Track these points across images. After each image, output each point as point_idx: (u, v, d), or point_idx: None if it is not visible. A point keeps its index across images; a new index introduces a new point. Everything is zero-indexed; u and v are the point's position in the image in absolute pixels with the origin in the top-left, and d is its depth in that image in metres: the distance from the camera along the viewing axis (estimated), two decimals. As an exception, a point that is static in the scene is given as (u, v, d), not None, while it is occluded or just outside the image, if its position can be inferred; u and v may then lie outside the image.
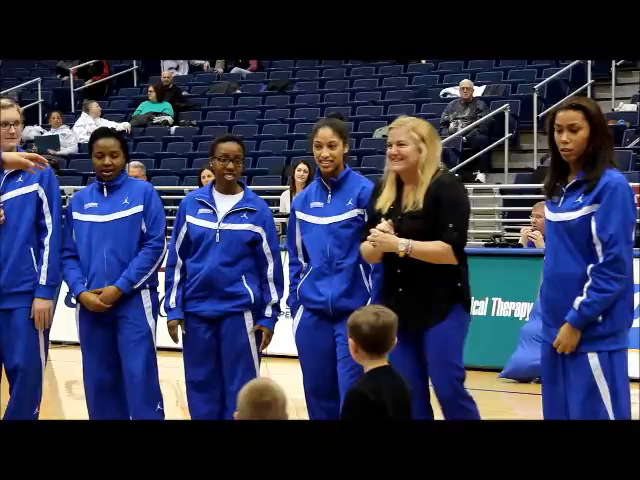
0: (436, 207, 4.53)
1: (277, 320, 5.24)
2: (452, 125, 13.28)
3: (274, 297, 5.18)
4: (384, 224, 4.55)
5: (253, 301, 5.15)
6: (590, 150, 4.06)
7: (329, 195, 4.98)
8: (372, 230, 4.56)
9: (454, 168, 12.52)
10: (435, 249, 4.52)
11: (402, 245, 4.49)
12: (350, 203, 4.90)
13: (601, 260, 4.02)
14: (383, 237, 4.52)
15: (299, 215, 5.06)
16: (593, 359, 4.03)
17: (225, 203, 5.21)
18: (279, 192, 11.87)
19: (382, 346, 3.64)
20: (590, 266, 4.04)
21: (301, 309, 5.04)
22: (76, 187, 11.66)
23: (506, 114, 12.85)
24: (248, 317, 5.17)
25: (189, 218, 5.22)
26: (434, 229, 4.52)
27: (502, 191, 12.15)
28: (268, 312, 5.17)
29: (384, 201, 4.64)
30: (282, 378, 6.16)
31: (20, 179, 5.20)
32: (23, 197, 5.20)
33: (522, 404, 7.38)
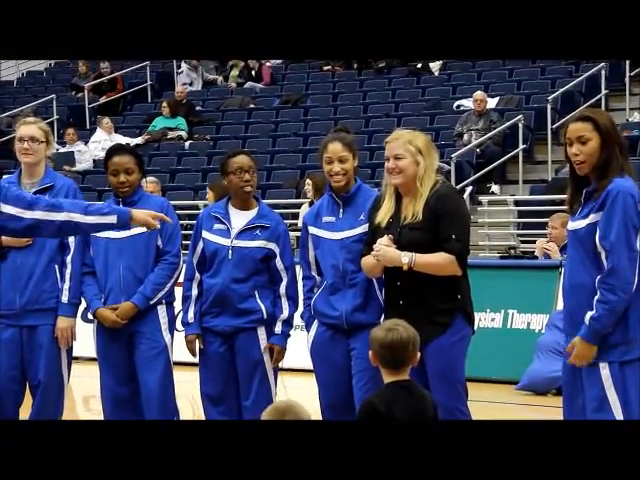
0: (436, 219, 4.54)
1: (289, 336, 5.24)
2: (466, 137, 13.29)
3: (285, 313, 5.18)
4: (385, 238, 4.56)
5: (265, 317, 5.16)
6: (602, 160, 4.05)
7: (341, 210, 4.99)
8: (375, 245, 4.58)
9: (468, 180, 12.54)
10: (438, 261, 4.52)
11: (405, 258, 4.50)
12: (362, 217, 4.89)
13: (605, 270, 4.01)
14: (385, 251, 4.53)
15: (311, 230, 5.06)
16: (604, 370, 4.02)
17: (240, 219, 5.23)
18: (293, 206, 11.89)
19: (394, 362, 3.65)
20: (597, 277, 4.03)
21: (316, 323, 5.03)
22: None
23: (520, 125, 12.85)
24: (261, 332, 5.18)
25: (204, 233, 5.25)
26: (434, 240, 4.53)
27: (517, 202, 12.14)
28: (278, 329, 5.18)
29: (383, 214, 4.66)
30: (300, 392, 6.15)
31: (46, 196, 5.25)
32: None
33: (538, 417, 7.36)
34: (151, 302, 5.25)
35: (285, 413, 3.14)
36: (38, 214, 4.14)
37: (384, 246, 4.54)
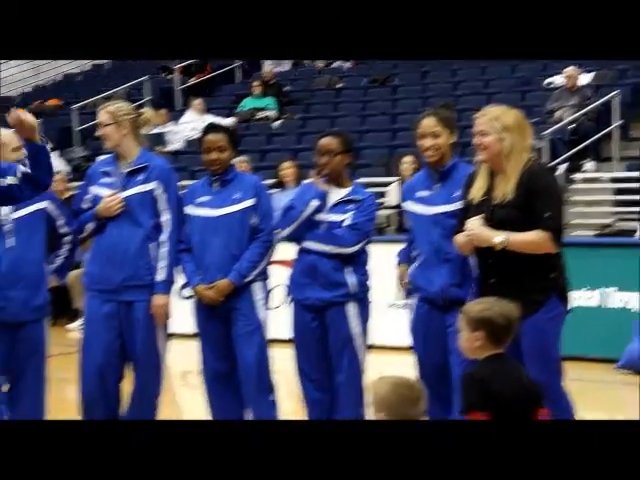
0: (528, 197, 4.47)
1: None
2: (558, 114, 13.04)
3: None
4: (476, 218, 4.51)
5: (354, 291, 5.16)
6: None
7: (436, 185, 4.95)
8: (467, 224, 4.53)
9: (561, 157, 12.32)
10: (532, 239, 4.46)
11: (498, 238, 4.45)
12: (457, 194, 4.86)
13: None
14: (478, 231, 4.48)
15: (406, 204, 5.07)
16: None
17: (335, 195, 5.27)
18: (383, 185, 11.85)
19: (509, 337, 3.70)
20: None
21: (415, 297, 5.03)
22: (183, 183, 11.83)
23: (615, 101, 12.56)
24: (351, 307, 5.18)
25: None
26: (525, 219, 4.47)
27: (613, 180, 11.90)
28: None
29: (476, 191, 4.62)
30: (389, 371, 6.12)
31: (141, 177, 5.33)
32: (142, 194, 5.32)
33: (636, 396, 7.22)
34: (246, 280, 5.29)
35: (412, 388, 3.15)
36: None
37: (476, 226, 4.48)
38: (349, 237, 5.16)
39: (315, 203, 5.18)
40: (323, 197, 5.18)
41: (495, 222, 4.50)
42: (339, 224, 5.18)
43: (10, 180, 4.33)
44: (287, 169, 10.84)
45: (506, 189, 4.50)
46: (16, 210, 5.19)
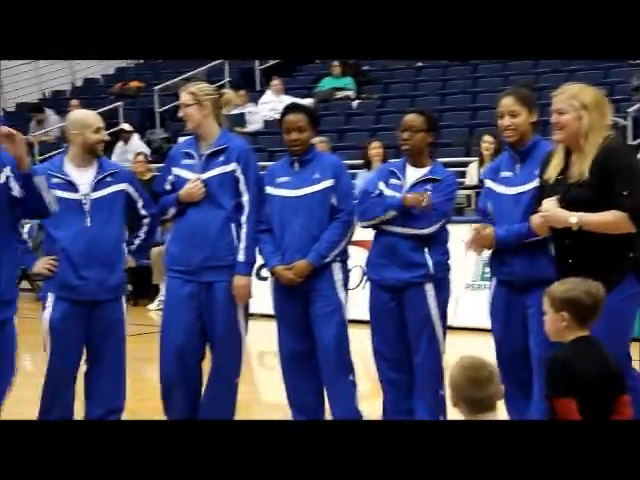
0: (604, 176, 4.38)
1: None
2: (643, 91, 12.76)
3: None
4: (552, 199, 4.44)
5: (433, 271, 5.14)
6: None
7: (517, 165, 4.92)
8: (542, 205, 4.47)
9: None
10: (609, 219, 4.37)
11: (573, 218, 4.37)
12: (536, 172, 4.80)
13: None
14: (553, 212, 4.42)
15: (488, 183, 5.05)
16: None
17: (414, 174, 5.25)
18: (463, 164, 11.76)
19: (595, 317, 3.68)
20: None
21: (494, 280, 5.00)
22: (262, 164, 11.90)
23: (702, 77, 12.24)
24: (429, 288, 5.16)
25: (381, 185, 5.31)
26: (601, 198, 4.38)
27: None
28: None
29: (552, 170, 4.55)
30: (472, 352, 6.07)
31: (221, 158, 5.37)
32: (223, 176, 5.36)
33: None
34: (325, 260, 5.30)
35: (479, 369, 3.13)
36: None
37: (552, 206, 4.42)
38: (427, 218, 5.14)
39: (392, 214, 5.17)
40: (401, 208, 5.15)
41: (569, 202, 4.43)
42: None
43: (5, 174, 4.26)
44: (375, 149, 10.92)
45: (582, 168, 4.43)
46: (95, 190, 5.28)
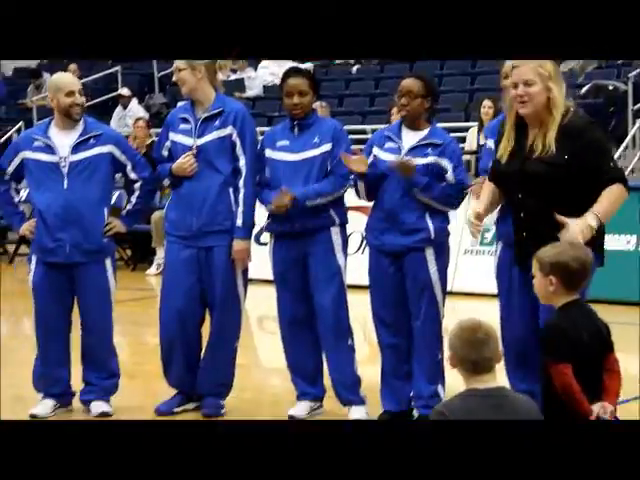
0: (576, 151, 4.19)
1: None
2: (644, 56, 12.68)
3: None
4: (573, 231, 4.06)
5: (434, 236, 5.13)
6: None
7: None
8: (566, 237, 4.07)
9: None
10: (616, 197, 4.22)
11: (593, 221, 4.13)
12: None
13: None
14: (582, 235, 4.03)
15: (490, 143, 4.96)
16: None
17: (412, 137, 5.20)
18: (462, 129, 11.72)
19: (584, 282, 3.66)
20: None
21: (500, 244, 4.89)
22: (261, 129, 11.87)
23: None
24: (430, 253, 5.16)
25: (375, 150, 5.28)
26: (567, 174, 4.18)
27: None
28: None
29: (503, 148, 4.35)
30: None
31: (217, 122, 5.35)
32: (219, 140, 5.34)
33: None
34: (307, 203, 5.20)
35: (475, 331, 3.14)
36: None
37: (576, 233, 4.05)
38: (456, 195, 5.15)
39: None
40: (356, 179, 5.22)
41: (529, 175, 4.23)
42: (420, 168, 5.10)
43: None
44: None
45: (546, 142, 4.21)
46: (75, 153, 5.28)
